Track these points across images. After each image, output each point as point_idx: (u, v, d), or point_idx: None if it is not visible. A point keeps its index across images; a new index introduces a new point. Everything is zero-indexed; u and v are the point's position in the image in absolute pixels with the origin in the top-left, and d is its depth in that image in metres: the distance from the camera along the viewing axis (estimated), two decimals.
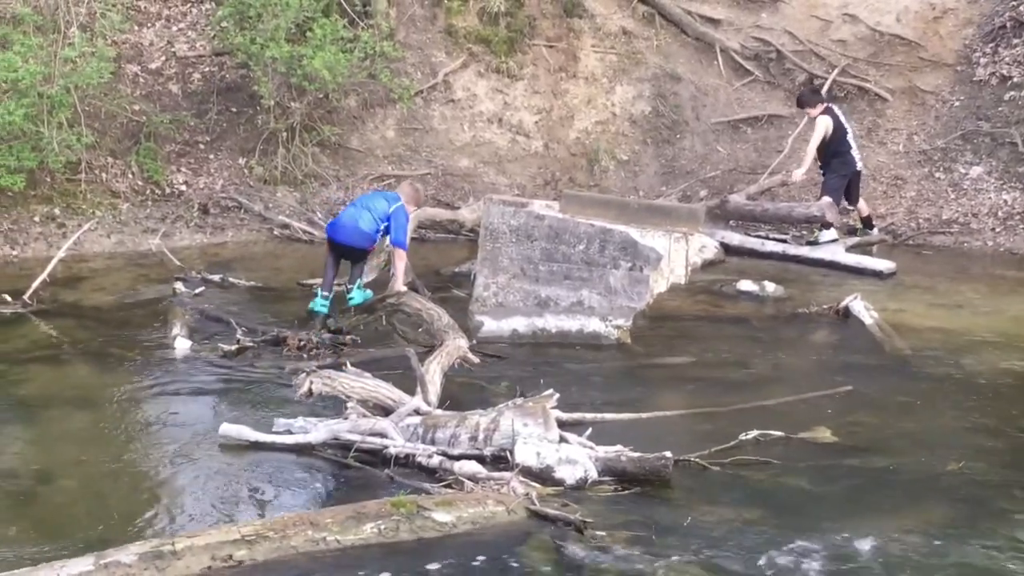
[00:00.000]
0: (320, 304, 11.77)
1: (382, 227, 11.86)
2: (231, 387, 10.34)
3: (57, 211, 15.27)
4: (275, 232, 15.79)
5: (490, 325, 11.53)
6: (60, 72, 14.91)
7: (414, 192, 12.43)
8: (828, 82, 17.39)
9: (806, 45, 17.92)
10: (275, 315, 12.28)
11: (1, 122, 14.20)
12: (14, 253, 14.62)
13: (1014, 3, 17.49)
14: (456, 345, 10.29)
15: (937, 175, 16.48)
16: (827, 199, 15.11)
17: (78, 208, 15.38)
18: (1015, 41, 17.21)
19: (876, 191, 16.44)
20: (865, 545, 7.21)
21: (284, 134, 16.54)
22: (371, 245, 12.04)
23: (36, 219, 15.11)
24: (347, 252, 12.01)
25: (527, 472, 8.03)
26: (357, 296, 11.92)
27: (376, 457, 8.50)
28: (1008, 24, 17.38)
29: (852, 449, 8.79)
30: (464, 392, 9.85)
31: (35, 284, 12.65)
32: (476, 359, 10.38)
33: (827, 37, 18.18)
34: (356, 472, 8.38)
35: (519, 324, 11.52)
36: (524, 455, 8.17)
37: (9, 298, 12.56)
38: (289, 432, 8.91)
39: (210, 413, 9.59)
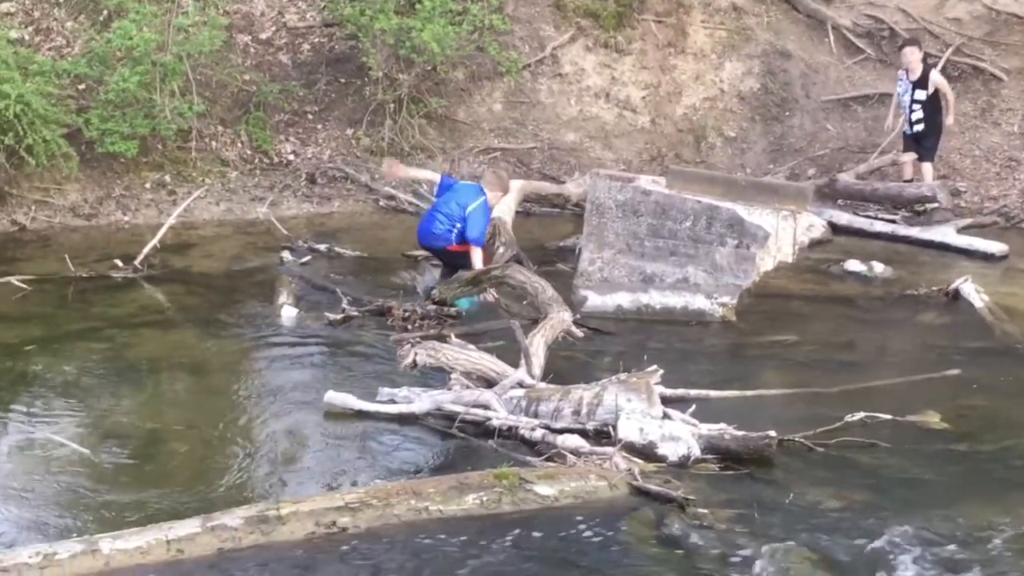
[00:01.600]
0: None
1: (456, 227, 11.95)
2: (336, 356, 10.44)
3: (168, 178, 15.47)
4: (381, 203, 15.85)
5: (594, 300, 11.51)
6: (173, 40, 15.09)
7: (498, 180, 12.47)
8: (942, 61, 17.09)
9: (920, 23, 17.62)
10: (380, 285, 12.35)
11: (116, 89, 14.43)
12: (126, 219, 14.84)
13: None
14: (560, 319, 10.28)
15: None
16: (935, 179, 15.04)
17: (188, 176, 15.56)
18: None
19: (989, 172, 16.17)
20: (970, 532, 7.12)
21: (391, 106, 16.59)
22: (448, 245, 12.08)
23: (147, 186, 15.31)
24: (432, 254, 12.23)
25: (629, 447, 8.02)
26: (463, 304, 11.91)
27: (479, 429, 8.54)
28: None
29: (961, 434, 8.67)
30: (567, 366, 9.85)
31: (146, 250, 12.84)
32: (580, 333, 10.37)
33: (941, 15, 17.87)
34: (459, 443, 8.43)
35: (624, 299, 11.49)
36: (627, 430, 8.16)
37: (120, 263, 12.77)
38: (393, 402, 8.98)
39: (315, 381, 9.67)
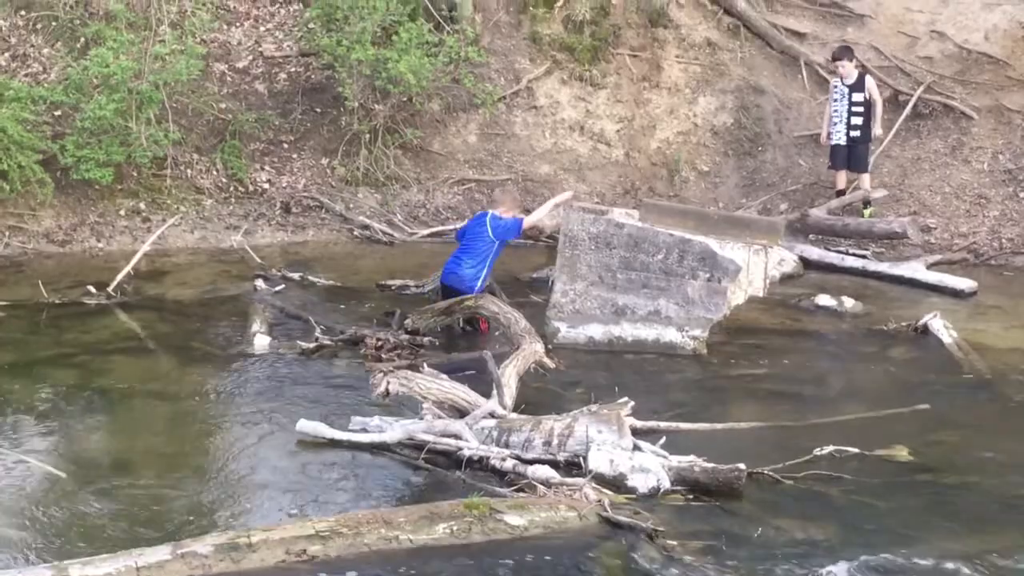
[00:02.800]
0: None
1: (486, 266, 11.95)
2: (308, 384, 10.44)
3: (143, 205, 15.47)
4: (355, 233, 15.89)
5: (566, 331, 11.56)
6: (150, 69, 15.12)
7: (510, 197, 12.58)
8: (914, 99, 17.25)
9: (892, 61, 17.79)
10: (353, 315, 12.38)
11: (92, 116, 14.45)
12: (100, 246, 14.83)
13: None
14: (532, 350, 10.33)
15: (1021, 195, 16.29)
16: (905, 218, 15.29)
17: (163, 203, 15.57)
18: None
19: (959, 209, 16.29)
20: (934, 565, 7.19)
21: (367, 136, 16.64)
22: (472, 292, 11.86)
23: (122, 213, 15.31)
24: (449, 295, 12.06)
25: (600, 479, 8.06)
26: None
27: (450, 459, 8.57)
28: None
29: (927, 468, 8.75)
30: (539, 397, 9.89)
31: (119, 277, 12.86)
32: (552, 364, 10.41)
33: (913, 54, 18.04)
34: (430, 472, 8.46)
35: (595, 331, 11.54)
36: (597, 462, 8.21)
37: (94, 290, 12.77)
38: (365, 430, 9.00)
39: (287, 409, 9.67)
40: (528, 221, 12.24)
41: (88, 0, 16.60)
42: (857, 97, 15.93)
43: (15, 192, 14.20)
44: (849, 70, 16.04)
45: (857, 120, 15.91)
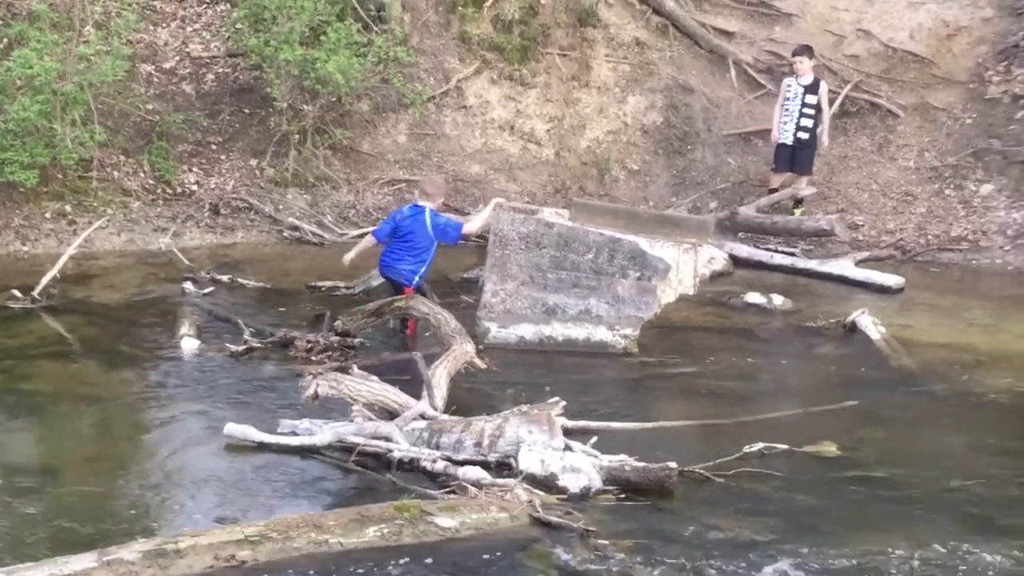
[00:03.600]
0: None
1: (426, 261, 11.93)
2: (238, 388, 10.37)
3: (68, 208, 15.28)
4: (285, 234, 15.79)
5: (497, 331, 11.55)
6: (75, 69, 14.93)
7: (435, 186, 12.44)
8: (841, 97, 17.39)
9: (819, 60, 17.88)
10: (283, 317, 12.31)
11: (16, 118, 14.23)
12: (25, 249, 14.64)
13: None
14: (463, 350, 10.30)
15: (947, 192, 16.48)
16: (832, 216, 15.40)
17: (89, 206, 15.39)
18: None
19: (886, 206, 16.44)
20: (865, 560, 7.25)
21: (296, 136, 16.55)
22: (408, 286, 11.89)
23: (47, 216, 15.12)
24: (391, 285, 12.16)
25: (531, 479, 8.06)
26: None
27: (381, 461, 8.53)
28: (1021, 43, 17.36)
29: (856, 464, 8.82)
30: (470, 398, 9.87)
31: (45, 280, 12.69)
32: (483, 364, 10.38)
33: (840, 52, 18.18)
34: (360, 475, 8.42)
35: (526, 331, 11.54)
36: (528, 462, 8.20)
37: (19, 294, 12.60)
38: (294, 433, 8.95)
39: (216, 413, 9.60)
40: (467, 229, 12.15)
41: (11, 1, 16.37)
42: (810, 99, 16.00)
43: None
44: (805, 68, 16.11)
45: (807, 122, 15.97)
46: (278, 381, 10.44)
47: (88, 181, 15.58)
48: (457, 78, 17.90)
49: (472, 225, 12.29)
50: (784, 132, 16.13)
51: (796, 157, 16.15)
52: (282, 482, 8.40)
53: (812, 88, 16.02)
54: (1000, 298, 13.89)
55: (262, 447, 8.79)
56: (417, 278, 11.87)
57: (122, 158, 16.19)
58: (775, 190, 16.29)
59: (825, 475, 8.61)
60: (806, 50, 16.38)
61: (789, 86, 16.23)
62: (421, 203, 11.95)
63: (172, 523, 7.70)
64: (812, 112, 16.00)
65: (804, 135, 16.02)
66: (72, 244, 13.81)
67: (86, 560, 6.45)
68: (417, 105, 17.13)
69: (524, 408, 8.92)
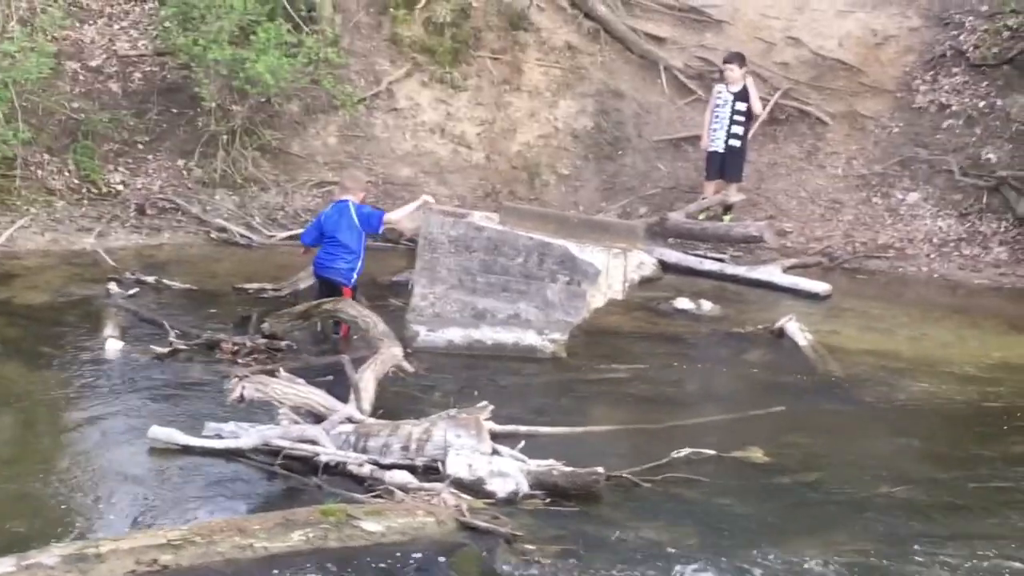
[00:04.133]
0: None
1: (360, 258, 11.92)
2: (162, 390, 10.26)
3: None
4: (212, 235, 15.62)
5: (426, 335, 11.49)
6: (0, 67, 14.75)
7: (355, 180, 12.53)
8: (770, 104, 17.47)
9: (749, 66, 18.00)
10: (210, 318, 12.18)
11: None
12: None
13: (954, 32, 17.69)
14: (391, 354, 10.26)
15: (874, 200, 16.62)
16: (761, 222, 15.48)
17: (12, 204, 15.16)
18: (954, 70, 17.41)
19: (814, 213, 16.55)
20: (789, 566, 7.27)
21: (225, 137, 16.40)
22: (347, 285, 11.85)
23: None
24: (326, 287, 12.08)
25: (458, 484, 8.03)
26: None
27: (307, 465, 8.46)
28: (948, 53, 17.57)
29: (783, 470, 8.86)
30: (398, 401, 9.83)
31: None
32: (410, 368, 10.33)
33: (770, 59, 18.28)
34: (286, 479, 8.35)
35: (455, 335, 11.49)
36: (456, 467, 8.17)
37: None
38: (219, 437, 8.86)
39: (140, 415, 9.50)
40: (389, 216, 12.19)
41: None
42: (740, 106, 16.10)
43: None
44: (736, 76, 16.19)
45: (738, 129, 16.09)
46: (204, 384, 10.34)
47: (11, 180, 15.36)
48: (388, 80, 17.83)
49: (395, 214, 12.34)
50: (715, 139, 16.21)
51: (726, 164, 16.22)
52: (207, 485, 8.32)
53: (742, 95, 16.10)
54: (925, 305, 14.04)
55: (187, 450, 8.70)
56: (355, 275, 11.83)
57: (46, 157, 15.99)
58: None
59: (752, 481, 8.64)
60: (737, 57, 16.47)
61: (719, 93, 16.31)
62: (343, 198, 11.92)
63: (93, 527, 7.59)
64: (742, 119, 16.10)
65: (735, 142, 16.11)
66: (14, 244, 13.61)
67: (4, 564, 6.34)
68: (347, 107, 17.04)
69: (452, 412, 8.91)
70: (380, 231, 12.33)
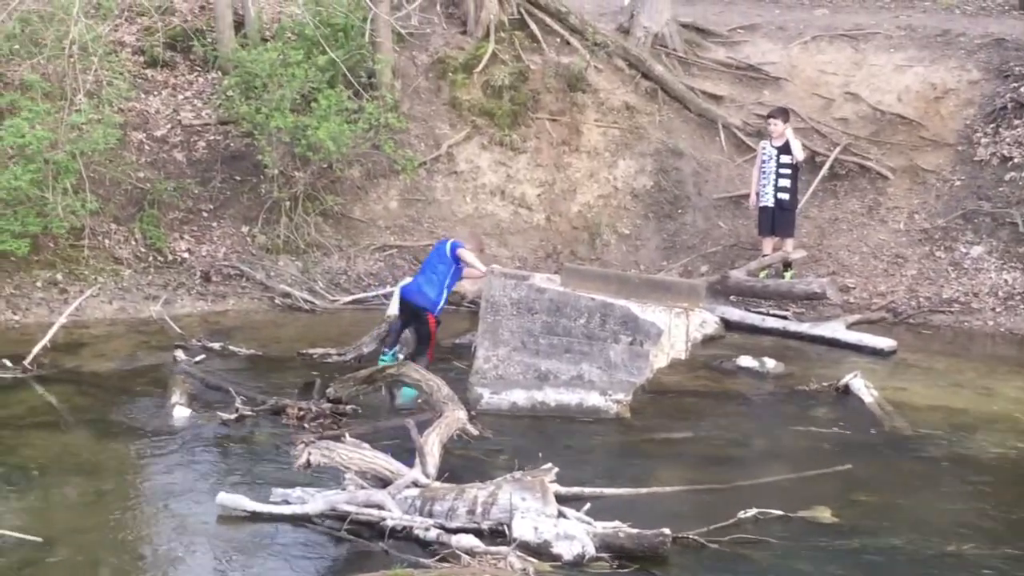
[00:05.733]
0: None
1: (446, 285, 12.61)
2: (230, 456, 10.34)
3: (59, 276, 15.28)
4: (276, 301, 15.77)
5: (490, 397, 11.52)
6: (66, 138, 15.00)
7: (472, 237, 13.79)
8: (830, 160, 17.48)
9: (808, 123, 18.02)
10: (275, 384, 12.25)
11: (7, 187, 14.25)
12: (16, 318, 14.60)
13: (1015, 84, 17.62)
14: (455, 417, 10.28)
15: (938, 254, 16.52)
16: (823, 279, 15.42)
17: (80, 274, 15.38)
18: (1016, 122, 17.31)
19: (877, 268, 16.47)
20: None
21: (287, 203, 16.58)
22: (430, 311, 12.49)
23: (38, 284, 15.11)
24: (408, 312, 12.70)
25: (524, 547, 8.01)
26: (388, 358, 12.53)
27: (373, 529, 8.48)
28: (1009, 105, 17.49)
29: (851, 529, 8.77)
30: (463, 465, 9.83)
31: (36, 349, 12.66)
32: (475, 431, 10.35)
33: (829, 115, 18.30)
34: (353, 544, 8.37)
35: (519, 397, 11.51)
36: (522, 530, 8.16)
37: (9, 363, 12.58)
38: (286, 502, 8.90)
39: (208, 482, 9.56)
40: (465, 254, 12.57)
41: (2, 71, 16.44)
42: (785, 159, 16.10)
43: None
44: (779, 130, 16.18)
45: (785, 182, 16.09)
46: (270, 449, 10.40)
47: (79, 249, 15.58)
48: (448, 144, 17.98)
49: (469, 257, 12.62)
50: (764, 195, 16.21)
51: (776, 219, 16.20)
52: (275, 551, 8.35)
53: (786, 148, 16.09)
54: (992, 360, 13.92)
55: (255, 516, 8.74)
56: (441, 302, 12.49)
57: (113, 226, 16.21)
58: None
59: (820, 541, 8.57)
60: (780, 112, 16.51)
61: (764, 148, 16.36)
62: (454, 239, 12.92)
63: None
64: (788, 172, 16.09)
65: (784, 195, 16.11)
66: (63, 313, 13.77)
67: None
68: (408, 171, 17.21)
69: (517, 475, 8.87)
70: (456, 260, 12.63)
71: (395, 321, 12.99)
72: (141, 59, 18.54)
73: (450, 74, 18.49)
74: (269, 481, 9.40)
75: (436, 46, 18.96)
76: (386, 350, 12.67)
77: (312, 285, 16.09)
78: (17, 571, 7.95)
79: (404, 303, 12.71)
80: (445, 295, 12.59)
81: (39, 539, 8.28)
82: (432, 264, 12.69)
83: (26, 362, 12.53)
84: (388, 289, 15.33)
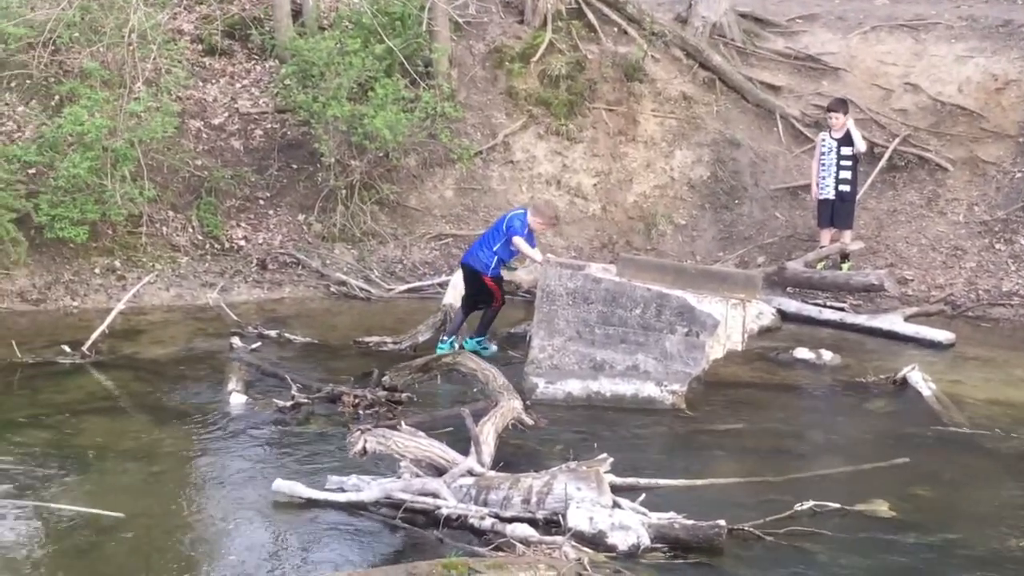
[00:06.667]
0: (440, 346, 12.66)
1: (496, 251, 12.63)
2: (285, 443, 10.38)
3: (118, 263, 15.41)
4: (332, 289, 15.83)
5: (545, 387, 11.50)
6: (125, 126, 15.10)
7: (546, 207, 13.42)
8: (889, 151, 17.32)
9: (867, 113, 17.86)
10: (330, 372, 12.29)
11: (67, 175, 14.39)
12: (74, 304, 14.74)
13: None
14: (511, 406, 10.28)
15: (997, 246, 16.34)
16: (881, 270, 15.29)
17: (138, 261, 15.51)
18: None
19: (936, 261, 16.31)
20: None
21: (343, 192, 16.63)
22: (484, 273, 12.63)
23: (97, 271, 15.25)
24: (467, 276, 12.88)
25: (579, 537, 8.00)
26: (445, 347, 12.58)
27: (428, 517, 8.49)
28: None
29: (909, 524, 8.70)
30: (518, 454, 9.84)
31: (94, 336, 12.78)
32: (530, 420, 10.34)
33: (888, 106, 18.14)
34: (407, 532, 8.38)
35: (574, 387, 11.48)
36: (577, 519, 8.14)
37: (68, 349, 12.69)
38: (342, 490, 8.93)
39: (264, 468, 9.61)
40: (520, 244, 12.54)
41: (62, 59, 16.58)
42: (846, 151, 15.96)
43: None
44: (840, 122, 16.06)
45: (846, 174, 15.95)
46: (326, 437, 10.43)
47: (137, 237, 15.71)
48: (504, 133, 17.96)
49: (523, 246, 12.57)
50: (824, 187, 16.09)
51: (836, 211, 16.09)
52: (331, 538, 8.38)
53: (846, 140, 15.97)
54: None
55: (310, 503, 8.78)
56: (493, 263, 12.62)
57: (171, 214, 16.33)
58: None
59: (877, 535, 8.51)
60: (840, 104, 16.38)
61: (823, 140, 16.22)
62: (523, 210, 12.92)
63: None
64: (849, 164, 15.96)
65: (845, 187, 15.97)
66: (121, 300, 13.89)
67: None
68: (464, 160, 17.22)
69: (572, 465, 8.86)
70: (510, 242, 12.59)
71: (454, 309, 13.04)
72: (199, 47, 18.63)
73: (507, 63, 18.46)
74: (324, 468, 9.45)
75: (493, 35, 18.94)
76: (444, 338, 12.70)
77: (367, 273, 16.13)
78: (75, 557, 8.02)
79: (464, 269, 12.94)
80: (497, 260, 12.65)
81: (121, 515, 8.44)
82: (490, 233, 12.82)
83: (85, 348, 12.65)
84: (444, 278, 15.34)
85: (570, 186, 17.78)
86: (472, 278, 12.71)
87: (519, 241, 12.46)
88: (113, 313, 13.32)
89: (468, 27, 18.87)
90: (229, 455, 10.05)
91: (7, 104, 16.33)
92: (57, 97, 16.10)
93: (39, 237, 14.84)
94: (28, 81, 16.50)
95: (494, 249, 12.54)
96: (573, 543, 7.85)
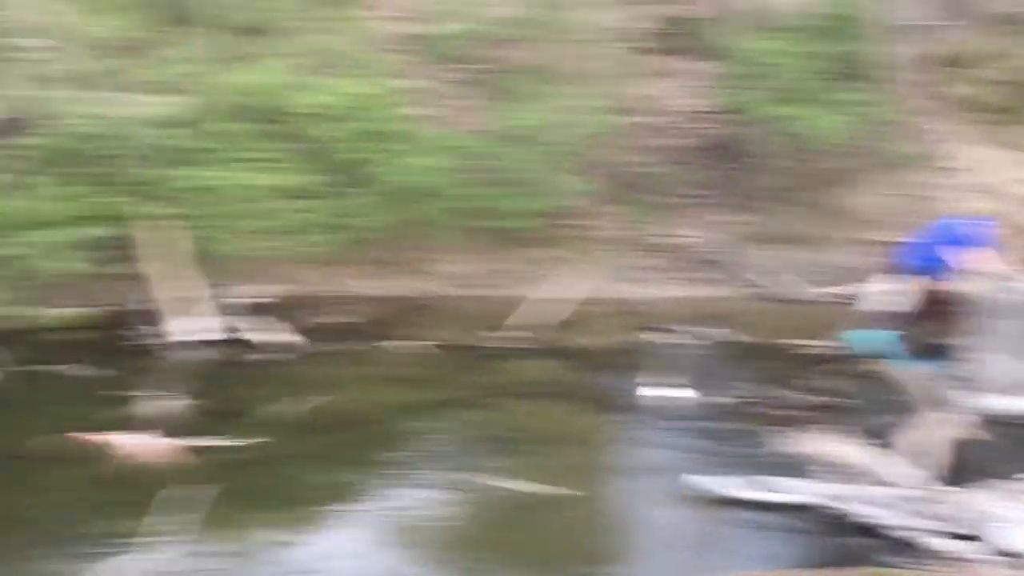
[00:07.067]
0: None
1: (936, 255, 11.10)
2: (701, 440, 10.46)
3: (553, 255, 15.83)
4: (758, 290, 15.79)
5: (984, 402, 11.07)
6: (563, 121, 15.51)
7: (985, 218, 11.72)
8: None
9: None
10: (754, 373, 12.27)
11: (512, 168, 14.95)
12: (514, 292, 15.15)
13: None
14: (952, 421, 9.97)
15: None
16: None
17: (573, 253, 15.88)
18: None
19: None
20: None
21: (777, 193, 16.55)
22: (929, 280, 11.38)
23: (535, 261, 15.72)
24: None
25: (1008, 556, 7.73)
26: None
27: (847, 523, 8.38)
28: None
29: None
30: (958, 470, 9.52)
31: (549, 325, 13.40)
32: (968, 436, 10.00)
33: None
34: (822, 537, 8.32)
35: (1014, 403, 11.00)
36: (1007, 538, 7.88)
37: (507, 334, 13.20)
38: (770, 490, 8.91)
39: (678, 464, 9.72)
40: (968, 252, 10.65)
41: (503, 53, 17.14)
42: None
43: (442, 240, 15.00)
44: None
45: None
46: (743, 437, 10.44)
47: (570, 229, 16.09)
48: (944, 140, 17.43)
49: (974, 256, 10.63)
50: None
51: None
52: (750, 538, 8.41)
53: None
54: None
55: (724, 502, 8.83)
56: (934, 274, 10.73)
57: (603, 208, 16.63)
58: None
59: None
60: None
61: None
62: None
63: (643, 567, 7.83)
64: None
65: None
66: (571, 290, 14.32)
67: None
68: (904, 166, 16.82)
69: (1014, 483, 8.56)
70: (954, 250, 10.80)
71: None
72: (637, 46, 18.89)
73: (950, 68, 17.92)
74: (735, 468, 9.47)
75: (936, 40, 18.40)
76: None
77: (795, 276, 15.98)
78: (517, 523, 8.49)
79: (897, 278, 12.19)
80: (936, 269, 10.91)
81: (578, 493, 8.87)
82: (930, 242, 11.56)
83: (528, 334, 13.28)
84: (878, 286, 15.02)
85: (1017, 197, 17.04)
86: (910, 289, 12.18)
87: (967, 251, 11.94)
88: (568, 305, 13.91)
89: (911, 31, 18.41)
90: (646, 447, 10.32)
91: (459, 98, 16.99)
92: (505, 92, 16.66)
93: (482, 225, 15.44)
94: (476, 75, 17.15)
95: (933, 257, 12.07)
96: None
